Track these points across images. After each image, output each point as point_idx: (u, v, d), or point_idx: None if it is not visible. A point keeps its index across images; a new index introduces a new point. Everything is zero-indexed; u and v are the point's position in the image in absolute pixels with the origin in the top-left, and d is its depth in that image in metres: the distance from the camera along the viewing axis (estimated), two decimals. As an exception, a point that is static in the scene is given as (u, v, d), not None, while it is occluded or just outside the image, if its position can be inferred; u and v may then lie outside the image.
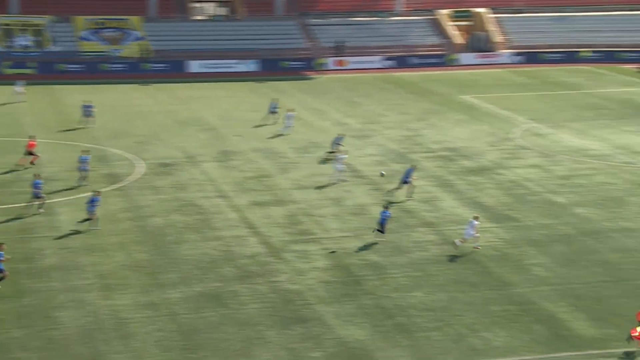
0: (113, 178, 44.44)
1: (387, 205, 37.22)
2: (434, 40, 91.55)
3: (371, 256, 34.60)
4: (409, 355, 26.93)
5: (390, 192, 41.89)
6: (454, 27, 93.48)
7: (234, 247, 35.12)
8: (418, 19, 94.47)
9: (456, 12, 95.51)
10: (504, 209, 40.63)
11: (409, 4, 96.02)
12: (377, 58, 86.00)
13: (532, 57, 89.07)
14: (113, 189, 42.47)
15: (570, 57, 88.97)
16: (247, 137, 54.36)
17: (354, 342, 27.58)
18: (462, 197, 42.22)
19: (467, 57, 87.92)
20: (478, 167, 47.79)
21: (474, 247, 34.82)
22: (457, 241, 34.83)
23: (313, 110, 63.40)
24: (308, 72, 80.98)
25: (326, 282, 32.10)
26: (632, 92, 71.09)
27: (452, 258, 34.37)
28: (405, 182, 41.60)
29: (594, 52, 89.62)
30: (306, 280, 32.00)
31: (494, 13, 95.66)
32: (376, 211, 38.84)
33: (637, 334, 26.77)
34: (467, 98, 68.97)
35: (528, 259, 34.42)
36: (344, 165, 44.90)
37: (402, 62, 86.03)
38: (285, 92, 70.21)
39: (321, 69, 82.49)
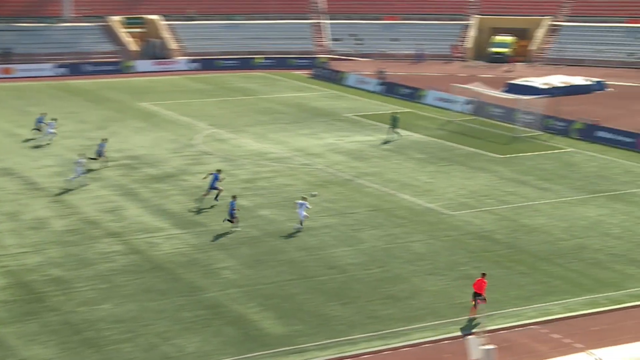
0: None
1: (235, 195, 39.42)
2: (108, 47, 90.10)
3: (54, 271, 33.21)
4: (100, 370, 26.16)
5: (201, 198, 42.36)
6: (128, 33, 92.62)
7: None
8: (89, 26, 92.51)
9: (128, 18, 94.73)
10: (191, 214, 40.87)
11: (78, 10, 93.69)
12: (48, 65, 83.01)
13: (207, 63, 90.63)
14: None
15: (245, 63, 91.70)
16: None
17: (40, 363, 26.28)
18: (147, 205, 41.86)
19: (143, 64, 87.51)
20: (162, 174, 47.66)
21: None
22: (296, 225, 38.27)
23: (-20, 120, 59.69)
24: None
25: (4, 301, 30.32)
26: (304, 97, 74.71)
27: (140, 267, 33.97)
28: (213, 188, 42.19)
29: (266, 58, 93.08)
30: (-17, 301, 30.02)
31: (167, 20, 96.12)
32: (57, 224, 37.33)
33: (473, 304, 29.65)
34: (146, 105, 68.60)
35: (217, 262, 34.88)
36: (84, 168, 44.56)
37: (75, 70, 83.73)
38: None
39: (-15, 77, 77.99)
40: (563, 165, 51.42)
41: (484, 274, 30.54)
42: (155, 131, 59.01)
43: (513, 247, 36.87)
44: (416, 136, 59.23)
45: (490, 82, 73.50)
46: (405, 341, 28.50)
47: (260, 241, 37.51)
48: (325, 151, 54.57)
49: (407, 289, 32.46)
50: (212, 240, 37.37)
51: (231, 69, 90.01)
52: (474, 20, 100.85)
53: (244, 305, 30.89)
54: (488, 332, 27.95)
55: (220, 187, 42.65)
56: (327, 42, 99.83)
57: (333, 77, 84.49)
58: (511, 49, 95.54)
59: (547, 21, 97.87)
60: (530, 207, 42.58)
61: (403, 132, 59.68)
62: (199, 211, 41.22)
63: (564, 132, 59.60)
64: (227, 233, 38.28)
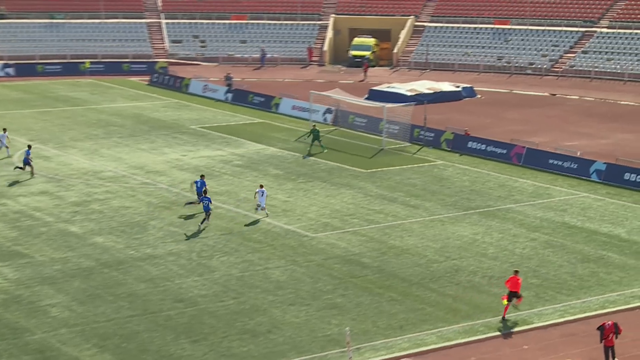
0: None
1: (203, 175, 46.51)
2: None
3: None
4: None
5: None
6: None
7: None
8: None
9: None
10: (11, 244, 39.47)
11: None
12: None
13: (25, 69, 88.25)
14: None
15: (71, 68, 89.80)
16: None
17: None
18: (-42, 235, 40.17)
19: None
20: (-26, 198, 45.93)
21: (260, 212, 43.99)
22: (259, 209, 44.10)
23: None
24: None
25: None
26: (142, 107, 73.76)
27: (-48, 308, 32.49)
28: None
29: (96, 63, 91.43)
30: None
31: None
32: None
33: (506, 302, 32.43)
34: (-46, 117, 66.04)
35: (43, 299, 33.77)
36: None
37: None
38: None
39: None
40: (433, 179, 52.63)
41: (516, 271, 33.12)
42: (-34, 148, 56.87)
43: (382, 272, 37.35)
44: (272, 150, 59.40)
45: (352, 89, 74.73)
46: (266, 382, 28.32)
47: (95, 273, 36.59)
48: (169, 168, 53.98)
49: (266, 322, 32.35)
50: (37, 274, 36.17)
51: (54, 75, 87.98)
52: (330, 20, 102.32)
53: (78, 347, 30.00)
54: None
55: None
56: (166, 45, 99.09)
57: (175, 84, 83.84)
58: (373, 52, 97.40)
59: (410, 21, 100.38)
60: (400, 227, 43.30)
61: (255, 146, 59.70)
62: (15, 242, 39.82)
63: (434, 143, 61.11)
64: (53, 264, 37.14)
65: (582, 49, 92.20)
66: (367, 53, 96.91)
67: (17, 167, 51.37)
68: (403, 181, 52.03)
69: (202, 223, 42.48)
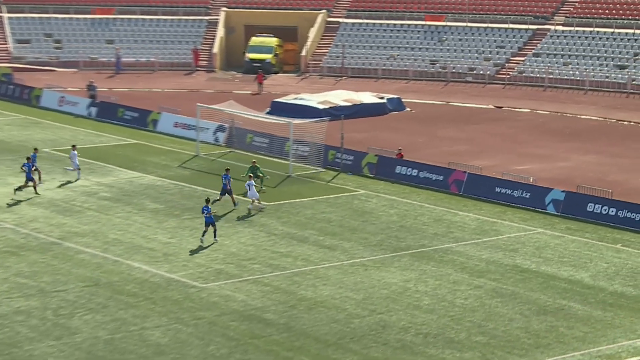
0: None
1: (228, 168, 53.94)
2: None
3: None
4: None
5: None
6: None
7: None
8: None
9: None
10: None
11: None
12: None
13: None
14: None
15: None
16: None
17: None
18: None
19: None
20: None
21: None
22: (256, 205, 51.73)
23: None
24: None
25: None
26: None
27: None
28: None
29: None
30: None
31: None
32: None
33: None
34: None
35: None
36: None
37: None
38: None
39: None
40: (354, 213, 52.87)
41: None
42: None
43: (291, 330, 37.33)
44: (149, 178, 59.07)
45: (249, 101, 74.89)
46: None
47: None
48: (16, 203, 53.27)
49: (145, 397, 32.03)
50: None
51: None
52: (221, 16, 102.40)
53: None
54: None
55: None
56: (10, 45, 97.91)
57: (22, 96, 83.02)
58: (275, 55, 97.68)
59: (321, 17, 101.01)
60: (312, 274, 43.36)
61: (128, 174, 59.31)
62: None
63: (353, 169, 61.47)
64: None
65: (534, 50, 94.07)
66: (267, 56, 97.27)
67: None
68: (316, 216, 52.18)
69: (214, 238, 47.29)
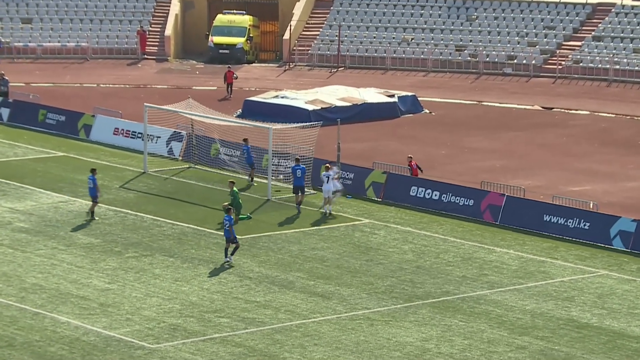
0: None
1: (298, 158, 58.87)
2: None
3: None
4: None
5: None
6: None
7: None
8: None
9: None
10: None
11: None
12: None
13: None
14: None
15: None
16: None
17: None
18: None
19: None
20: None
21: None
22: (329, 207, 57.35)
23: None
24: None
25: None
26: None
27: None
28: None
29: None
30: None
31: None
32: None
33: None
34: None
35: None
36: None
37: None
38: None
39: None
40: (355, 250, 52.98)
41: None
42: None
43: (271, 406, 37.49)
44: (80, 203, 59.11)
45: (215, 100, 74.80)
46: None
47: None
48: None
49: None
50: None
51: None
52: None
53: None
54: None
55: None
56: None
57: None
58: (249, 39, 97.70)
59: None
60: (300, 330, 43.39)
61: (52, 197, 59.43)
62: None
63: (354, 190, 61.39)
64: None
65: (593, 33, 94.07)
66: (239, 40, 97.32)
67: None
68: (304, 253, 52.32)
69: (232, 254, 50.18)
